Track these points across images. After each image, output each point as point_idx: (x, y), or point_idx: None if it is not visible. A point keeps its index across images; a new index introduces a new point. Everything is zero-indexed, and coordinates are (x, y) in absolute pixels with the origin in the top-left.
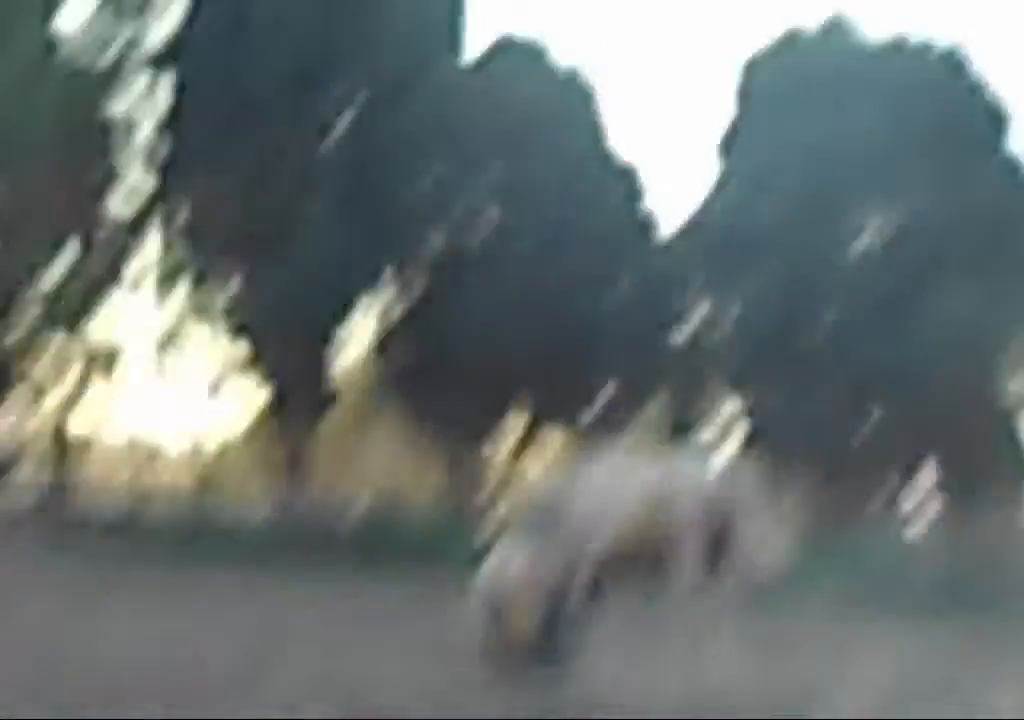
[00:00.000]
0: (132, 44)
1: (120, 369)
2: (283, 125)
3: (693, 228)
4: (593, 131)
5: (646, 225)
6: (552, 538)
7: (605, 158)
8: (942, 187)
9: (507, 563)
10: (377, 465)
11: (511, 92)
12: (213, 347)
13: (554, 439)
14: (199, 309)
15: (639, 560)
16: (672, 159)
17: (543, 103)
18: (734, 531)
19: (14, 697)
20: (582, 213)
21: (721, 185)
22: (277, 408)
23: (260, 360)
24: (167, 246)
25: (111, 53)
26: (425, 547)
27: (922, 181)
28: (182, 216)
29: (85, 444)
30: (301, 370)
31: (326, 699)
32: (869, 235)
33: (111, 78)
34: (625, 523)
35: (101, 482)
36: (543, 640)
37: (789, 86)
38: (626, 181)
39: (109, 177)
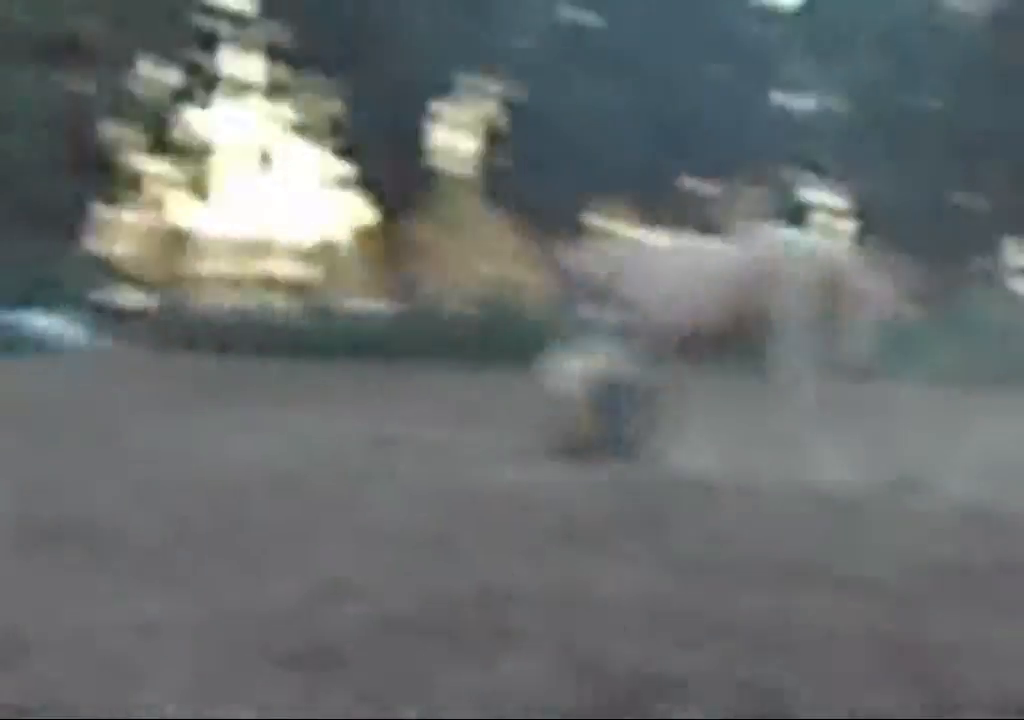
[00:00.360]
0: None
1: (228, 171)
2: None
3: (806, 5)
4: None
5: None
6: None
7: None
8: None
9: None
10: (483, 266)
11: None
12: (317, 162)
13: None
14: (302, 127)
15: (740, 336)
16: None
17: None
18: (843, 296)
19: (133, 499)
20: None
21: None
22: (384, 216)
23: (362, 174)
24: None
25: None
26: (533, 342)
27: None
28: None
29: (201, 240)
30: (402, 180)
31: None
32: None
33: None
34: (716, 299)
35: (219, 277)
36: (612, 433)
37: None
38: None
39: None
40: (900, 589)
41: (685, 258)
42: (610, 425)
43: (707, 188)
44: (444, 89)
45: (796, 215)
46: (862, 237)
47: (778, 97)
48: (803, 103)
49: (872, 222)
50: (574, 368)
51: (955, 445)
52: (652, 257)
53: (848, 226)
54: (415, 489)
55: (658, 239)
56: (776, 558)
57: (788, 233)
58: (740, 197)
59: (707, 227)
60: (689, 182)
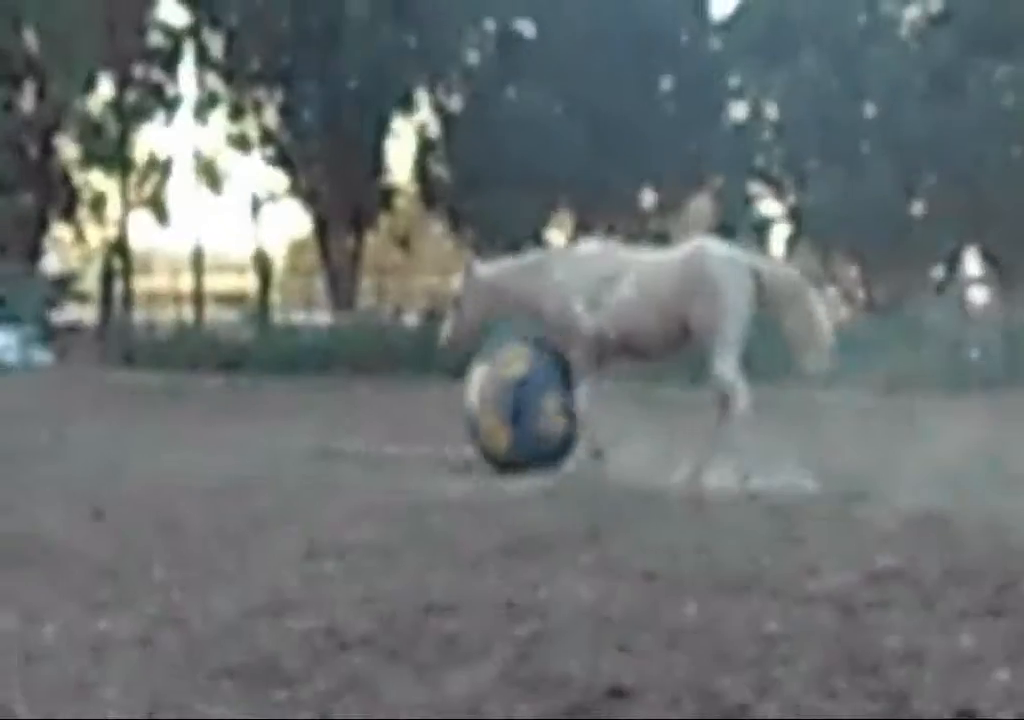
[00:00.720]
0: None
1: (169, 185)
2: None
3: (743, 11)
4: None
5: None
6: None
7: None
8: None
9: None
10: (424, 278)
11: None
12: (253, 174)
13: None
14: (236, 139)
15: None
16: None
17: None
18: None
19: (79, 516)
20: None
21: None
22: (320, 230)
23: (299, 187)
24: (200, 79)
25: None
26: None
27: None
28: (215, 48)
29: (144, 255)
30: (342, 191)
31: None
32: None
33: None
34: (641, 308)
35: (162, 292)
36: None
37: None
38: None
39: None
40: (846, 596)
41: (608, 265)
42: (521, 433)
43: (652, 198)
44: (383, 99)
45: (743, 225)
46: (810, 246)
47: (720, 105)
48: (745, 111)
49: (820, 231)
50: (478, 377)
51: (901, 451)
52: (574, 264)
53: (795, 235)
54: (357, 501)
55: (583, 246)
56: (720, 566)
57: (716, 243)
58: (685, 207)
59: (658, 237)
60: (630, 191)
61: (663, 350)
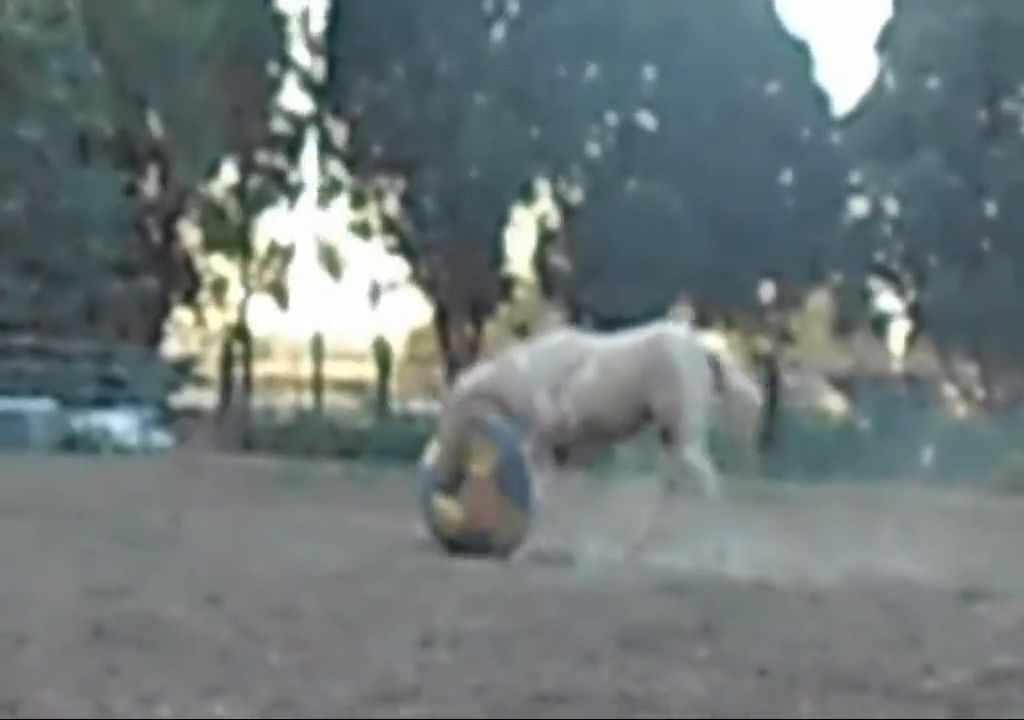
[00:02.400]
0: None
1: (291, 271)
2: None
3: (863, 108)
4: (766, 3)
5: (823, 97)
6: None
7: (779, 30)
8: None
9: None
10: None
11: None
12: (373, 262)
13: (716, 342)
14: (357, 227)
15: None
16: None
17: None
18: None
19: (196, 601)
20: (759, 84)
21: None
22: (440, 319)
23: (419, 275)
24: (323, 166)
25: None
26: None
27: None
28: (338, 135)
29: (264, 340)
30: (461, 280)
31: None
32: None
33: None
34: (590, 391)
35: (282, 378)
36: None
37: None
38: (801, 53)
39: (283, 69)
40: (962, 696)
41: (571, 353)
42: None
43: (771, 292)
44: (504, 189)
45: (865, 320)
46: (930, 343)
47: (840, 201)
48: (865, 207)
49: (939, 328)
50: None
51: (1019, 550)
52: (538, 355)
53: (915, 331)
54: (472, 590)
55: (548, 337)
56: (835, 663)
57: (677, 329)
58: (807, 301)
59: (780, 332)
60: (750, 285)
61: (625, 434)
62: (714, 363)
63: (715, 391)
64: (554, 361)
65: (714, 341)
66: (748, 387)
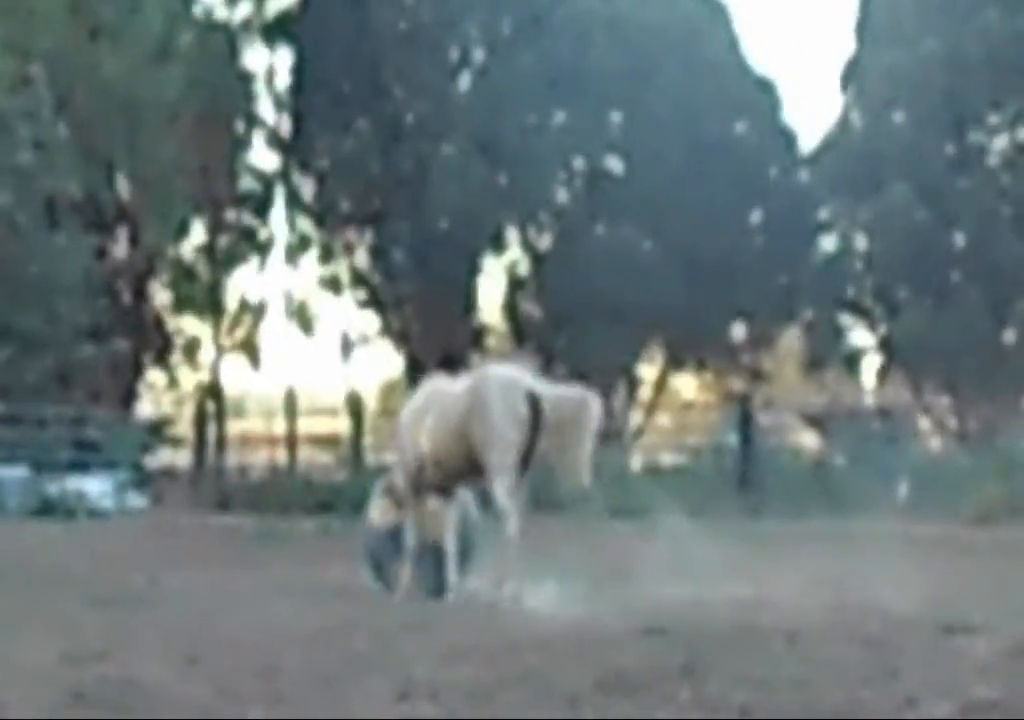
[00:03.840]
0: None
1: (263, 328)
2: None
3: (830, 145)
4: (730, 43)
5: (789, 136)
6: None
7: (744, 70)
8: None
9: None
10: None
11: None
12: (345, 316)
13: (689, 383)
14: (327, 281)
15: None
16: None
17: (678, 16)
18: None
19: (175, 662)
20: (726, 125)
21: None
22: (412, 371)
23: (390, 328)
24: (291, 222)
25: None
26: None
27: None
28: (306, 191)
29: (238, 398)
30: (433, 331)
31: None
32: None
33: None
34: (433, 433)
35: (256, 435)
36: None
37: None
38: (767, 92)
39: (250, 126)
40: None
41: (426, 397)
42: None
43: (743, 332)
44: (474, 239)
45: (837, 356)
46: (902, 376)
47: (809, 238)
48: (835, 243)
49: (911, 361)
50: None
51: (994, 581)
52: (412, 399)
53: (887, 365)
54: (452, 641)
55: (427, 381)
56: (817, 700)
57: (503, 368)
58: (779, 340)
59: (753, 371)
60: (721, 326)
61: (475, 475)
62: (533, 401)
63: (538, 428)
64: (414, 408)
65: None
66: (568, 399)
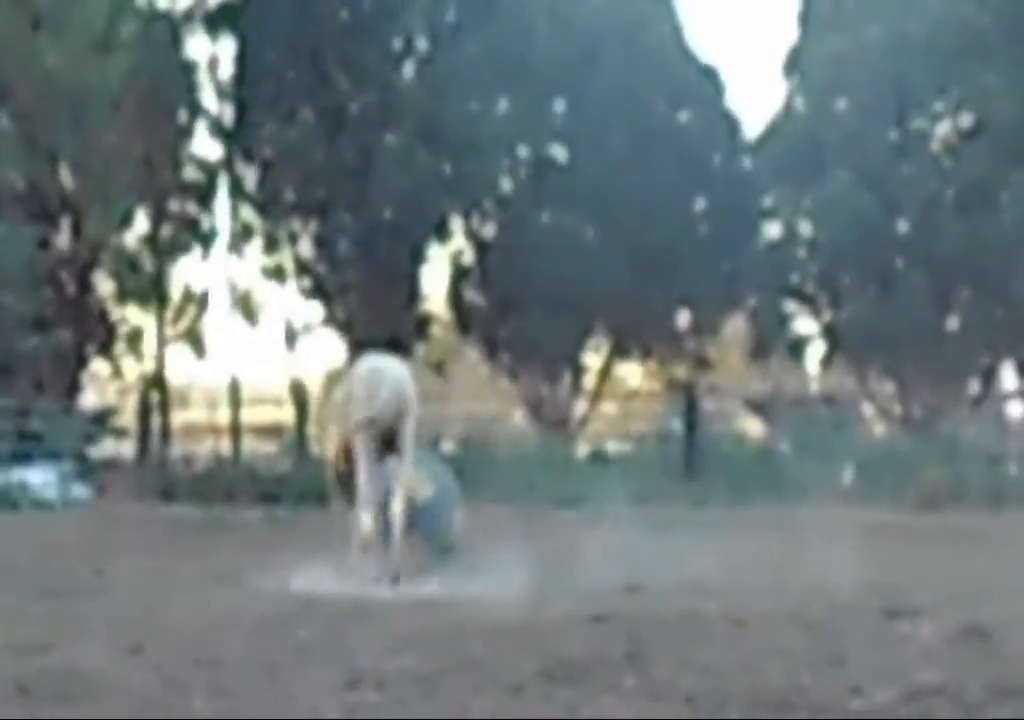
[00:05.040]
0: None
1: (207, 318)
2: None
3: (774, 132)
4: (674, 30)
5: (733, 123)
6: None
7: (689, 57)
8: (1016, 86)
9: None
10: (461, 404)
11: None
12: (289, 305)
13: (634, 371)
14: (271, 271)
15: None
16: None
17: (621, 3)
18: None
19: (120, 652)
20: (670, 112)
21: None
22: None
23: (335, 317)
24: (235, 211)
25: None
26: (511, 481)
27: (994, 82)
28: (250, 180)
29: (182, 389)
30: (377, 320)
31: None
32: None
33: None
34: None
35: (200, 425)
36: None
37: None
38: (711, 80)
39: (194, 116)
40: (888, 713)
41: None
42: None
43: (687, 319)
44: (418, 228)
45: (781, 343)
46: (846, 363)
47: (754, 225)
48: (779, 230)
49: (855, 348)
50: None
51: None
52: None
53: (831, 352)
54: (398, 629)
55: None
56: (762, 686)
57: (373, 357)
58: (723, 327)
59: (697, 358)
60: (666, 313)
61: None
62: (371, 382)
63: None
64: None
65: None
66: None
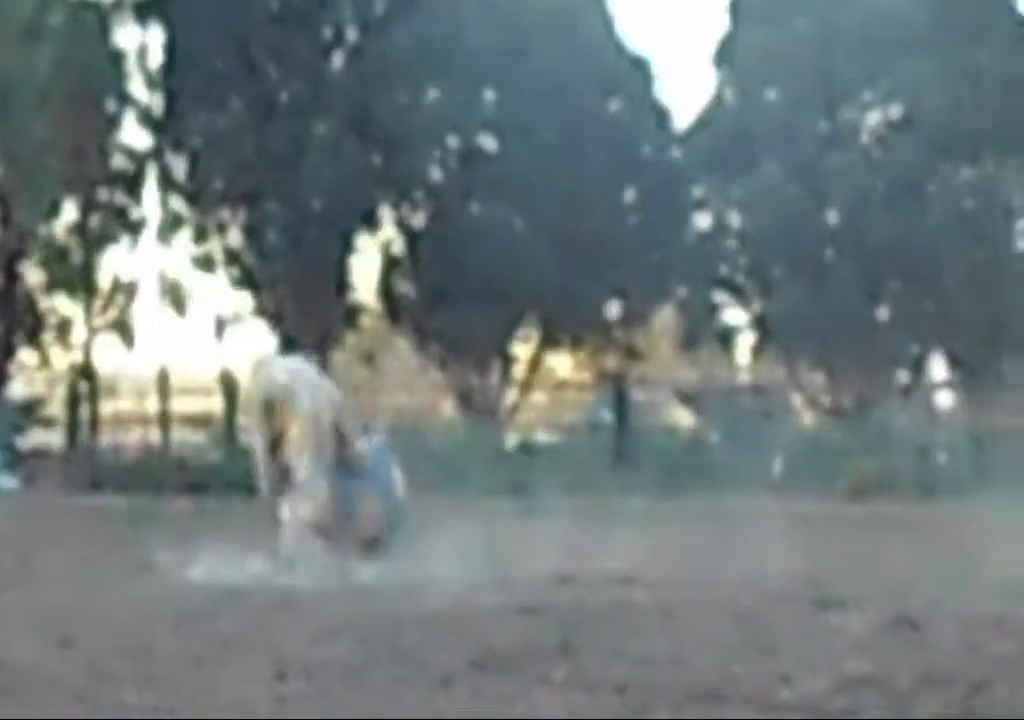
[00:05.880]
0: None
1: (136, 308)
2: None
3: (703, 123)
4: (604, 21)
5: (663, 113)
6: None
7: (619, 47)
8: (945, 77)
9: None
10: (391, 395)
11: None
12: (218, 295)
13: (564, 361)
14: (201, 261)
15: None
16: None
17: None
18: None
19: (47, 643)
20: (600, 102)
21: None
22: (286, 350)
23: (264, 307)
24: (164, 201)
25: None
26: (441, 471)
27: (924, 73)
28: (179, 170)
29: (110, 378)
30: (307, 310)
31: None
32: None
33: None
34: None
35: (128, 415)
36: None
37: None
38: (641, 70)
39: (122, 105)
40: (818, 703)
41: None
42: None
43: (617, 310)
44: (348, 218)
45: (711, 334)
46: (776, 353)
47: (683, 216)
48: (709, 221)
49: (785, 338)
50: None
51: (869, 557)
52: None
53: (761, 343)
54: (327, 619)
55: None
56: (692, 676)
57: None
58: (653, 317)
59: (627, 349)
60: (596, 304)
61: None
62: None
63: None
64: None
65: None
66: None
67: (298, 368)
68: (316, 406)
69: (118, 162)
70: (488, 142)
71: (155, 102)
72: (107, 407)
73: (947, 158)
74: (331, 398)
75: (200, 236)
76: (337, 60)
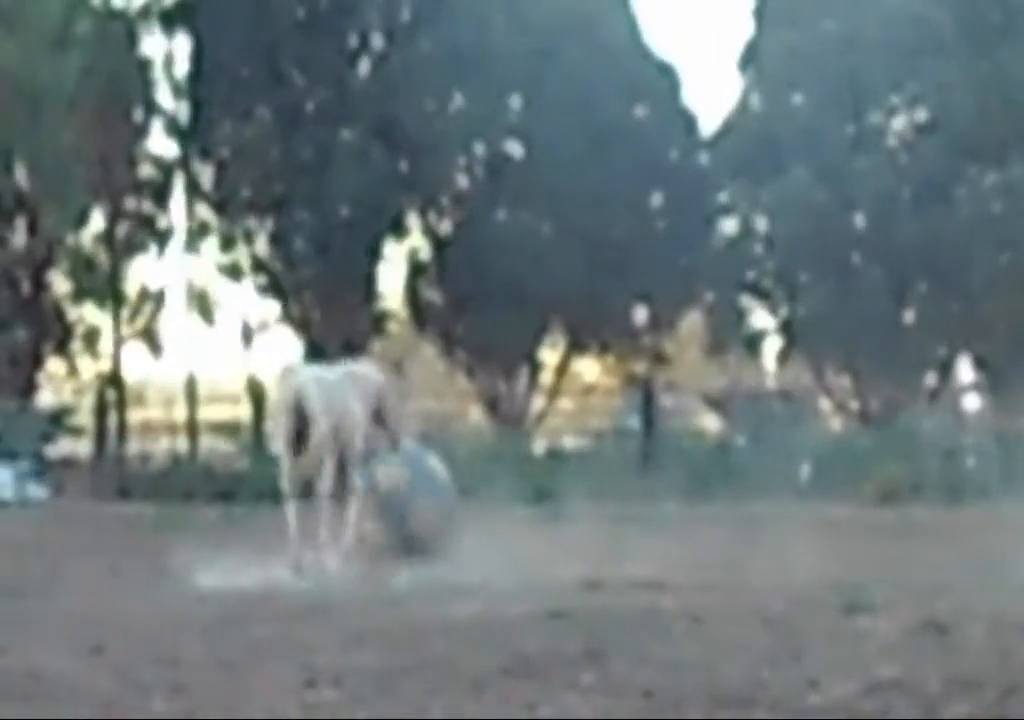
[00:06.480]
0: None
1: (163, 317)
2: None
3: (730, 128)
4: (630, 26)
5: (689, 119)
6: None
7: (644, 53)
8: (971, 80)
9: None
10: (418, 401)
11: None
12: (245, 303)
13: (591, 367)
14: (227, 269)
15: None
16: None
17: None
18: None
19: (78, 651)
20: (626, 108)
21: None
22: (313, 357)
23: (291, 314)
24: (191, 210)
25: None
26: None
27: (950, 76)
28: (206, 178)
29: (138, 387)
30: (333, 317)
31: None
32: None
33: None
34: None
35: (156, 423)
36: None
37: None
38: (666, 75)
39: (149, 114)
40: (847, 708)
41: None
42: None
43: (644, 315)
44: (374, 225)
45: (738, 339)
46: (803, 358)
47: (710, 221)
48: (736, 226)
49: (812, 343)
50: None
51: (898, 561)
52: None
53: (787, 347)
54: (356, 626)
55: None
56: (720, 682)
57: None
58: (680, 322)
59: (655, 354)
60: (622, 309)
61: None
62: (299, 393)
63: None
64: None
65: None
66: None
67: (320, 377)
68: (332, 421)
69: (145, 171)
70: (514, 148)
71: (182, 110)
72: (135, 415)
73: (973, 161)
74: (364, 390)
75: (227, 244)
76: (363, 67)
